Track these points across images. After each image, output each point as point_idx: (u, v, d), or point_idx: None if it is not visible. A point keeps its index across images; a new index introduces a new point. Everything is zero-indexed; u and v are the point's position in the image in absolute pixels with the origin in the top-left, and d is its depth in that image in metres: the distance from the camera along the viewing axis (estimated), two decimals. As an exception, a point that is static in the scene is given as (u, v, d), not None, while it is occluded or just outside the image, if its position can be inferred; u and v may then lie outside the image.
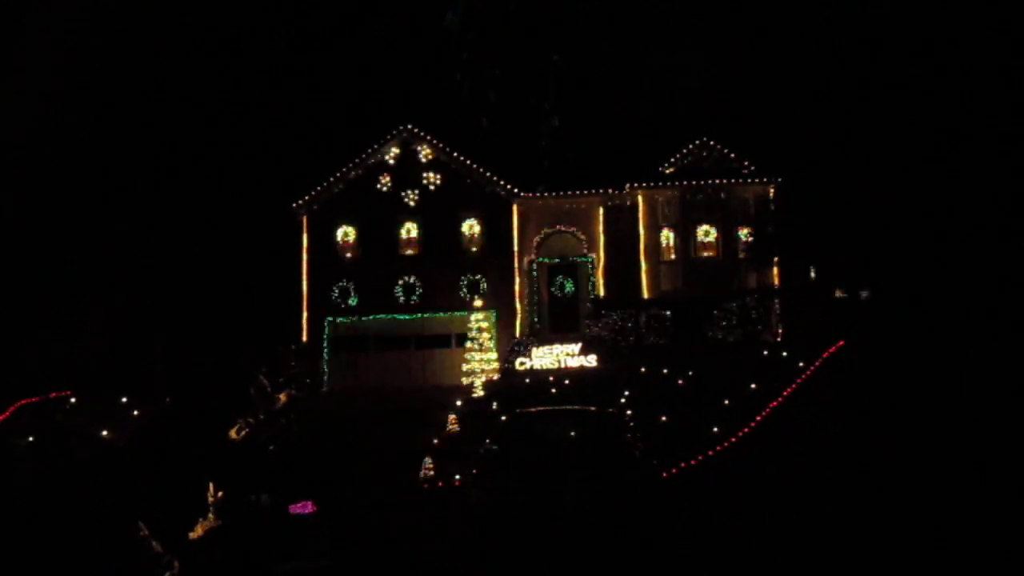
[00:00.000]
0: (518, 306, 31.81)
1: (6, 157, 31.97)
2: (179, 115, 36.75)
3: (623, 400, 22.40)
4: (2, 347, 29.08)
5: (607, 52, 39.89)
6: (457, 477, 17.88)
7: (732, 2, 35.57)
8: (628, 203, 31.88)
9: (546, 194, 32.41)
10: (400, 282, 32.00)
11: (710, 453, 18.74)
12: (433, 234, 32.31)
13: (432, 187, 32.28)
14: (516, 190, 32.08)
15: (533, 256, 32.41)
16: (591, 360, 28.28)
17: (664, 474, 16.89)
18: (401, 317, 31.81)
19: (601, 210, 32.29)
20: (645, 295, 31.22)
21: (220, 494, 14.36)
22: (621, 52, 39.51)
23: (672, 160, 31.55)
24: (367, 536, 14.06)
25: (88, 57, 34.31)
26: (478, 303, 30.39)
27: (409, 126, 32.60)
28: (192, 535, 13.42)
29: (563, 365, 28.21)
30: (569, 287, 32.36)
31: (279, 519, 13.40)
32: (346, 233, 32.59)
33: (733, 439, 19.60)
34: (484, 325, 29.64)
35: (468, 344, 29.25)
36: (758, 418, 20.74)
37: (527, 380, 27.00)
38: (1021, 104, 25.78)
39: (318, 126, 38.23)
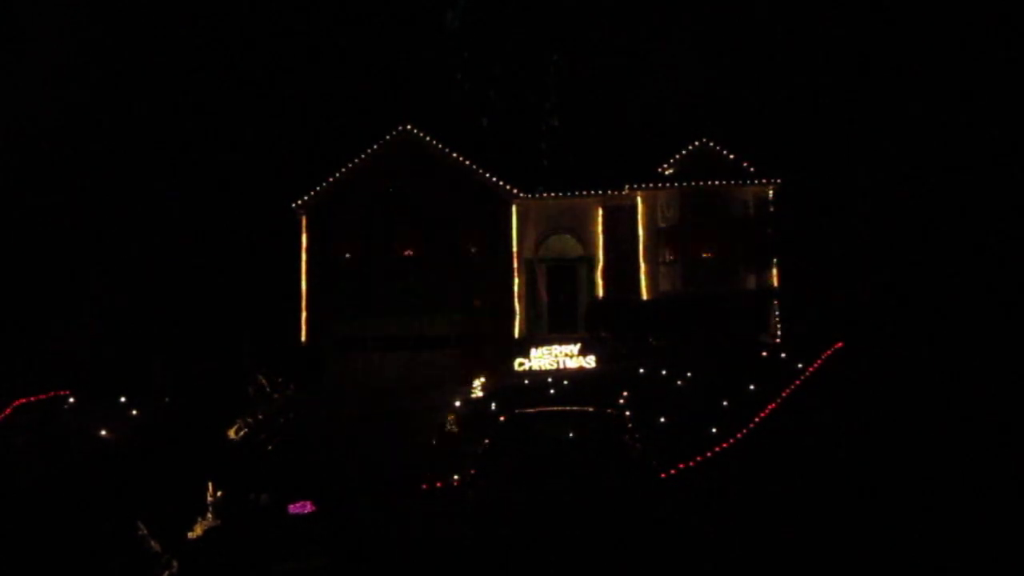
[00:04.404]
0: (517, 306, 31.80)
1: (6, 155, 31.97)
2: (179, 114, 36.73)
3: (622, 401, 22.41)
4: (1, 346, 29.07)
5: (607, 53, 39.98)
6: (456, 477, 17.89)
7: (732, 4, 35.66)
8: (627, 204, 31.88)
9: (545, 194, 32.43)
10: (399, 282, 31.97)
11: (709, 454, 18.75)
12: (432, 234, 32.29)
13: (431, 187, 32.26)
14: (516, 190, 32.08)
15: (532, 256, 32.40)
16: (590, 361, 28.27)
17: (662, 475, 16.91)
18: (400, 317, 31.76)
19: (600, 211, 32.29)
20: (644, 296, 31.23)
21: (219, 494, 14.36)
22: (621, 53, 39.58)
23: (671, 161, 31.53)
24: (366, 536, 14.06)
25: (89, 55, 34.30)
26: (477, 303, 30.34)
27: (409, 126, 32.59)
28: (191, 535, 13.41)
29: (562, 366, 28.20)
30: (568, 288, 32.36)
31: (278, 519, 13.40)
32: (345, 233, 32.55)
33: (732, 440, 19.61)
34: (483, 325, 29.58)
35: (467, 344, 29.20)
36: (757, 419, 20.74)
37: (526, 381, 27.00)
38: (1019, 105, 25.82)
39: (318, 126, 38.21)
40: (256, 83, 38.57)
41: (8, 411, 24.45)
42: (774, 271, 30.44)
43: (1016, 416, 17.89)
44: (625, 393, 23.25)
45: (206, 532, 13.56)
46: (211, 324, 31.55)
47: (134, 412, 24.42)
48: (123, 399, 25.59)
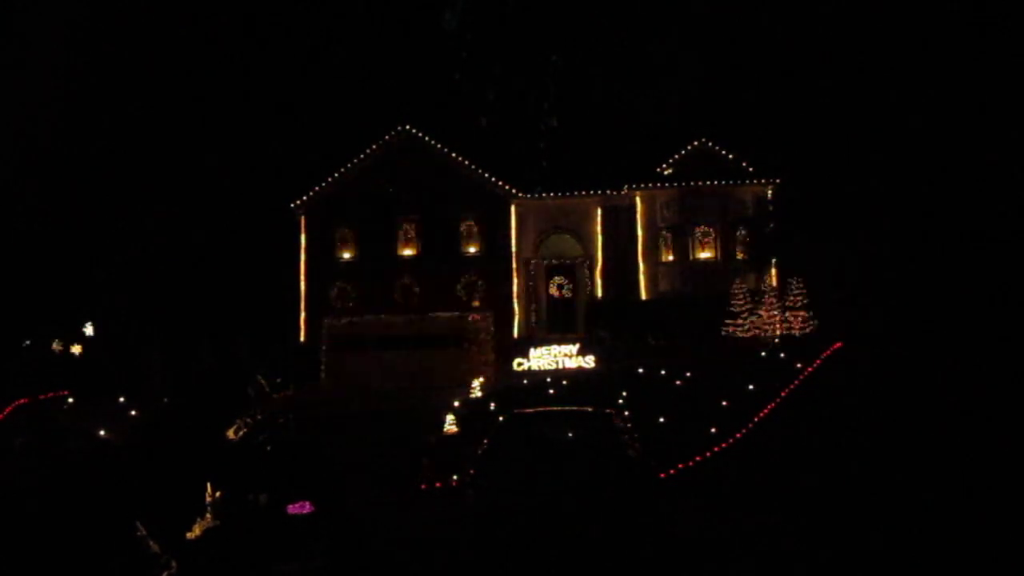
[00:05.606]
0: (516, 306, 31.82)
1: (7, 156, 31.98)
2: (179, 115, 36.75)
3: (621, 401, 22.40)
4: (1, 347, 29.07)
5: (606, 53, 39.95)
6: (455, 478, 17.89)
7: (731, 5, 35.66)
8: (626, 204, 31.91)
9: (544, 195, 32.45)
10: (398, 282, 32.00)
11: (708, 454, 18.74)
12: (431, 234, 32.32)
13: (430, 187, 32.28)
14: (514, 191, 32.09)
15: (531, 256, 32.41)
16: (589, 361, 28.26)
17: (662, 475, 16.91)
18: (399, 317, 31.77)
19: (599, 211, 32.31)
20: (643, 296, 31.23)
21: (218, 494, 14.33)
22: (620, 53, 39.56)
23: (670, 161, 31.56)
24: (365, 536, 14.06)
25: (89, 56, 34.31)
26: (476, 303, 30.37)
27: (407, 127, 32.61)
28: (190, 535, 13.39)
29: (561, 366, 28.19)
30: (567, 288, 32.37)
31: (277, 519, 13.38)
32: (344, 233, 32.59)
33: (731, 440, 19.61)
34: (482, 325, 29.61)
35: (466, 344, 29.24)
36: (756, 419, 20.74)
37: (525, 381, 26.99)
38: (1018, 105, 25.83)
39: (317, 126, 38.23)
40: (256, 83, 38.58)
41: (8, 411, 24.46)
42: (774, 271, 30.43)
43: (1016, 416, 17.89)
44: (624, 393, 23.25)
45: (205, 532, 13.55)
46: (211, 324, 31.56)
47: (133, 412, 24.43)
48: (122, 399, 25.60)
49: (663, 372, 25.66)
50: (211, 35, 37.94)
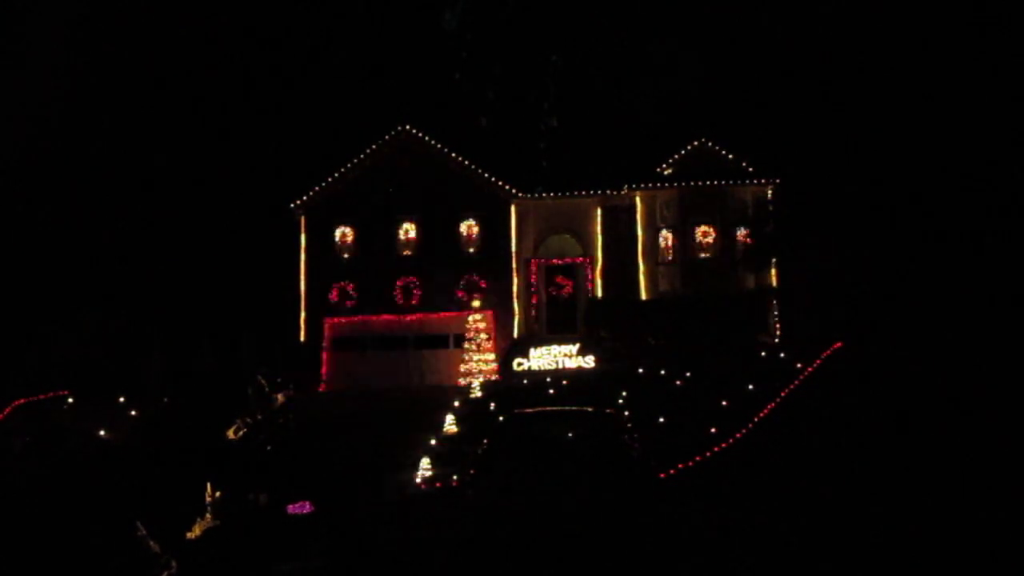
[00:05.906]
0: (516, 307, 31.80)
1: (6, 157, 31.99)
2: (178, 114, 36.74)
3: (621, 401, 22.41)
4: (0, 347, 29.08)
5: (606, 53, 39.93)
6: (455, 477, 17.89)
7: (731, 4, 35.64)
8: (626, 204, 31.89)
9: (544, 195, 32.41)
10: (398, 282, 31.97)
11: (707, 454, 18.76)
12: (431, 234, 32.29)
13: (430, 187, 32.26)
14: (514, 191, 32.08)
15: (531, 256, 32.39)
16: (589, 361, 28.28)
17: (661, 475, 16.92)
18: (399, 317, 31.77)
19: (599, 211, 32.30)
20: (643, 296, 31.22)
21: (218, 494, 14.37)
22: (620, 53, 39.54)
23: (670, 161, 31.53)
24: (365, 536, 14.07)
25: (88, 57, 34.30)
26: (476, 303, 30.35)
27: (407, 127, 32.58)
28: (190, 535, 13.41)
29: (561, 366, 28.20)
30: (567, 288, 32.36)
31: (277, 519, 13.41)
32: (344, 233, 32.56)
33: (731, 440, 19.62)
34: (482, 325, 29.62)
35: (466, 344, 29.25)
36: (756, 419, 20.75)
37: (525, 381, 26.99)
38: (1018, 104, 25.82)
39: (317, 126, 38.22)
40: (256, 83, 38.56)
41: (8, 411, 24.47)
42: (773, 271, 30.42)
43: (1016, 416, 17.90)
44: (624, 393, 23.25)
45: (205, 532, 13.57)
46: (211, 324, 31.57)
47: (133, 412, 24.44)
48: (122, 399, 25.61)
49: (663, 372, 25.66)
50: (211, 35, 37.91)
